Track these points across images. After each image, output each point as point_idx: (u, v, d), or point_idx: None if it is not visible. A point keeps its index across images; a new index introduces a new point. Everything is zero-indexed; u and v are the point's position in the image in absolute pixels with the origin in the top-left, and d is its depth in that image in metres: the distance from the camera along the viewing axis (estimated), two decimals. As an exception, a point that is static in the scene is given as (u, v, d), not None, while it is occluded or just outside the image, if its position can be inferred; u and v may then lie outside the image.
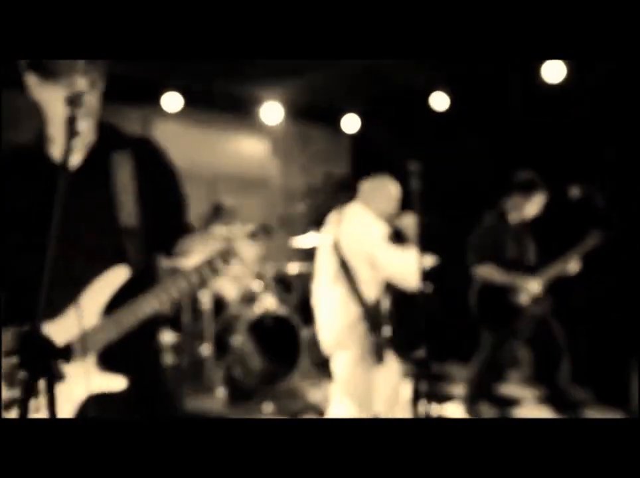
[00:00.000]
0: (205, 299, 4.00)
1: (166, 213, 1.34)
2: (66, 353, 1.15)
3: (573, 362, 3.08)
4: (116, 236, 1.22)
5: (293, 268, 4.56)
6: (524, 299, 3.07)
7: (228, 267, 1.18)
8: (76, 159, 1.23)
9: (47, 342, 1.01)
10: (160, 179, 1.32)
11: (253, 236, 1.20)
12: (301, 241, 4.35)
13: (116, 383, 1.18)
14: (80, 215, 1.20)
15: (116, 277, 1.21)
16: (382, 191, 2.46)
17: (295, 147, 5.82)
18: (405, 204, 2.36)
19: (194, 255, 1.26)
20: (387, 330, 2.28)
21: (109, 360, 1.19)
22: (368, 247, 2.30)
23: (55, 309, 1.18)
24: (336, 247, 2.37)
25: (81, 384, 1.16)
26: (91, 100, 1.17)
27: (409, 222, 2.38)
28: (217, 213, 4.33)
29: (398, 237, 2.45)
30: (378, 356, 2.28)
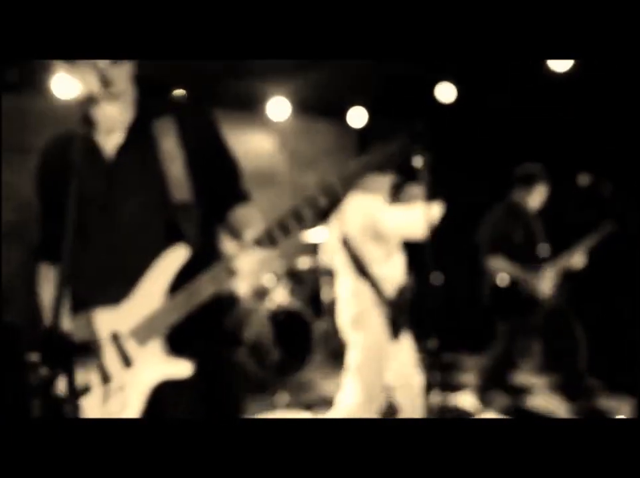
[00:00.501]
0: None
1: (219, 181, 1.27)
2: (87, 349, 1.15)
3: (588, 351, 3.10)
4: (169, 212, 1.17)
5: (304, 262, 4.59)
6: (536, 291, 3.09)
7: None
8: (116, 140, 1.20)
9: (66, 339, 0.96)
10: (207, 145, 1.25)
11: (258, 243, 1.10)
12: (311, 235, 4.40)
13: (183, 368, 1.13)
14: (129, 195, 1.17)
15: (176, 257, 1.15)
16: (376, 178, 2.42)
17: (303, 143, 5.83)
18: (410, 177, 2.33)
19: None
20: (403, 312, 2.28)
21: (176, 345, 1.15)
22: (370, 217, 2.29)
23: (115, 295, 1.16)
24: (344, 240, 2.39)
25: (150, 370, 1.13)
26: (119, 77, 1.13)
27: (415, 193, 2.33)
28: None
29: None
30: (394, 333, 2.27)
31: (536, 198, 3.14)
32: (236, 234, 1.28)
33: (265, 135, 5.54)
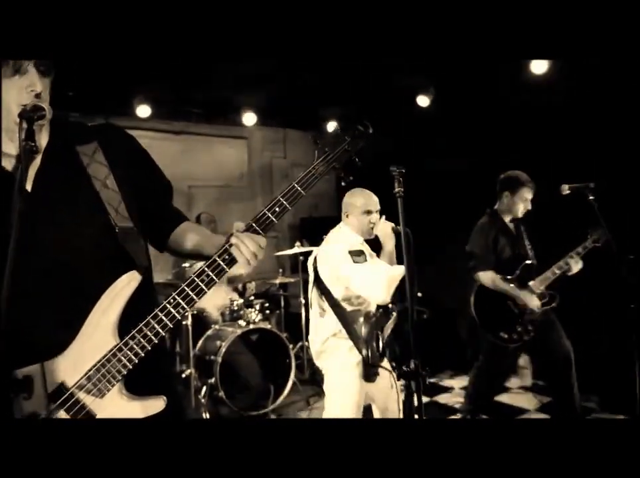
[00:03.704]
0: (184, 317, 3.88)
1: (151, 201, 1.28)
2: (26, 386, 1.05)
3: (579, 368, 3.03)
4: (114, 237, 1.15)
5: (278, 282, 4.50)
6: (523, 303, 3.03)
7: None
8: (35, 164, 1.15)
9: (4, 378, 0.95)
10: (133, 164, 1.26)
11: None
12: (288, 251, 4.32)
13: (155, 404, 1.13)
14: (57, 222, 1.13)
15: (128, 284, 1.13)
16: (357, 203, 2.52)
17: (276, 153, 5.77)
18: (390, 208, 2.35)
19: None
20: (374, 347, 2.32)
21: (134, 385, 1.14)
22: (332, 265, 2.40)
23: (65, 327, 1.11)
24: (314, 264, 2.50)
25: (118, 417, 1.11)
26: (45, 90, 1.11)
27: (385, 231, 2.45)
28: (199, 223, 4.35)
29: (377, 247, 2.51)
30: (366, 376, 2.32)
31: (520, 204, 3.09)
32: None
33: (237, 146, 5.50)
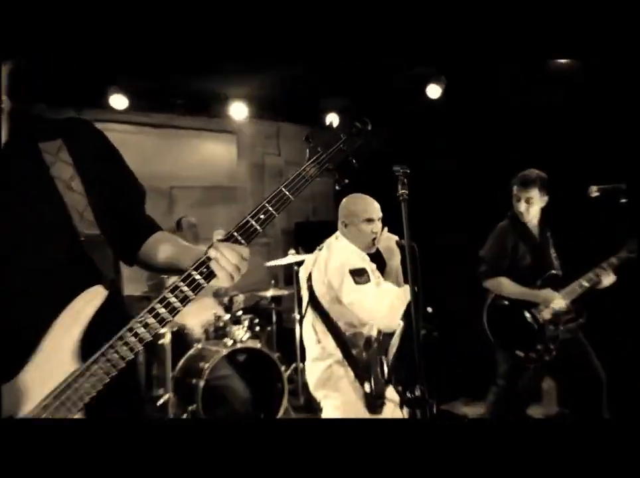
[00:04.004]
0: (163, 333, 3.84)
1: (121, 207, 1.29)
2: None
3: (610, 392, 3.00)
4: (79, 245, 1.15)
5: (270, 294, 4.51)
6: (545, 315, 3.02)
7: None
8: None
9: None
10: (102, 164, 1.25)
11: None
12: (282, 261, 4.31)
13: None
14: (31, 231, 1.14)
15: (91, 300, 1.13)
16: (357, 210, 2.52)
17: (269, 149, 5.81)
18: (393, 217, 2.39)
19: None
20: (378, 374, 2.33)
21: (97, 414, 1.13)
22: (331, 286, 2.40)
23: (23, 346, 1.10)
24: (309, 282, 2.50)
25: None
26: None
27: (388, 246, 2.46)
28: (180, 229, 4.40)
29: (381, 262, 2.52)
30: (370, 408, 2.30)
31: (521, 203, 3.12)
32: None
33: (224, 142, 5.54)
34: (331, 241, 2.57)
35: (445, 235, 4.21)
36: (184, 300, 1.13)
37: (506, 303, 3.06)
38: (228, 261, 1.13)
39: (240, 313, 4.10)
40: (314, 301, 2.46)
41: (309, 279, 2.51)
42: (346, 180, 1.29)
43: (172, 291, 1.13)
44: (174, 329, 3.93)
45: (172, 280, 1.22)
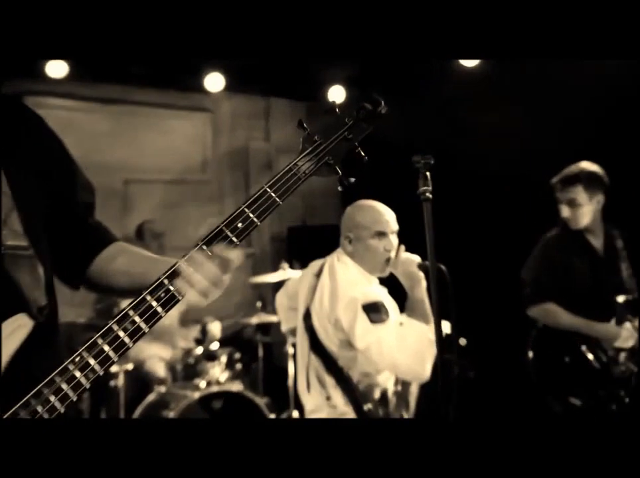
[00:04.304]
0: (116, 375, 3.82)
1: (61, 212, 1.31)
2: None
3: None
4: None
5: (255, 321, 4.45)
6: (611, 352, 3.03)
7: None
8: None
9: None
10: (36, 156, 1.28)
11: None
12: (271, 278, 4.34)
13: None
14: None
15: (11, 333, 1.12)
16: (365, 222, 2.55)
17: (255, 133, 5.87)
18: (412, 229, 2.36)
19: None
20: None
21: None
22: (340, 327, 2.42)
23: None
24: (306, 321, 2.54)
25: None
26: None
27: (408, 270, 2.45)
28: (141, 238, 4.44)
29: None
30: None
31: (563, 206, 3.16)
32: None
33: (194, 125, 5.60)
34: (333, 263, 2.59)
35: (478, 250, 4.29)
36: (135, 334, 1.12)
37: (558, 336, 3.08)
38: (199, 278, 1.14)
39: (215, 345, 4.07)
40: (317, 346, 2.48)
41: (307, 317, 2.52)
42: (352, 179, 1.29)
43: (119, 322, 1.12)
44: (130, 367, 3.87)
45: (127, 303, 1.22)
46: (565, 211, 3.14)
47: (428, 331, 2.32)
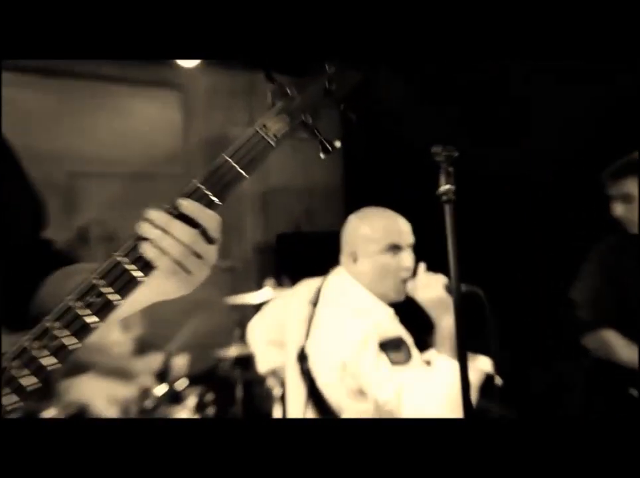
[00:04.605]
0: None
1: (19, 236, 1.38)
2: None
3: None
4: None
5: (233, 354, 4.54)
6: None
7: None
8: None
9: None
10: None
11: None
12: (254, 297, 4.42)
13: None
14: None
15: None
16: (373, 233, 2.59)
17: (236, 115, 5.94)
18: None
19: None
20: None
21: None
22: (353, 370, 2.43)
23: None
24: (302, 364, 2.58)
25: None
26: None
27: (433, 294, 2.43)
28: (85, 242, 4.39)
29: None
30: None
31: (617, 204, 3.25)
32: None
33: (163, 102, 5.71)
34: (333, 287, 2.63)
35: (514, 266, 4.44)
36: (81, 331, 1.12)
37: (617, 371, 3.14)
38: (172, 238, 1.14)
39: (182, 383, 4.05)
40: (317, 396, 2.52)
41: (303, 358, 2.55)
42: (337, 143, 1.30)
43: (40, 337, 1.12)
44: (69, 411, 3.77)
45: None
46: (619, 209, 3.20)
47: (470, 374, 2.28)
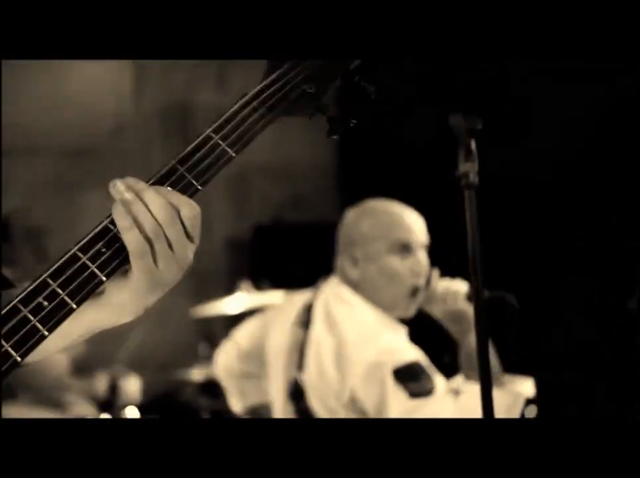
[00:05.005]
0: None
1: None
2: None
3: None
4: None
5: (197, 377, 4.55)
6: None
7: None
8: None
9: None
10: None
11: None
12: (225, 305, 4.52)
13: None
14: None
15: None
16: (377, 231, 2.67)
17: (202, 82, 5.97)
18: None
19: None
20: None
21: None
22: (364, 405, 2.48)
23: None
24: (297, 401, 2.64)
25: None
26: None
27: (455, 307, 2.48)
28: (7, 239, 4.43)
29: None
30: None
31: None
32: None
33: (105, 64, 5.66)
34: (328, 303, 2.69)
35: (514, 266, 4.56)
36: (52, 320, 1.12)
37: None
38: (148, 210, 1.14)
39: (131, 412, 4.05)
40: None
41: (298, 394, 2.62)
42: (353, 121, 1.31)
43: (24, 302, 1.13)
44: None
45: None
46: None
47: (501, 398, 2.26)
